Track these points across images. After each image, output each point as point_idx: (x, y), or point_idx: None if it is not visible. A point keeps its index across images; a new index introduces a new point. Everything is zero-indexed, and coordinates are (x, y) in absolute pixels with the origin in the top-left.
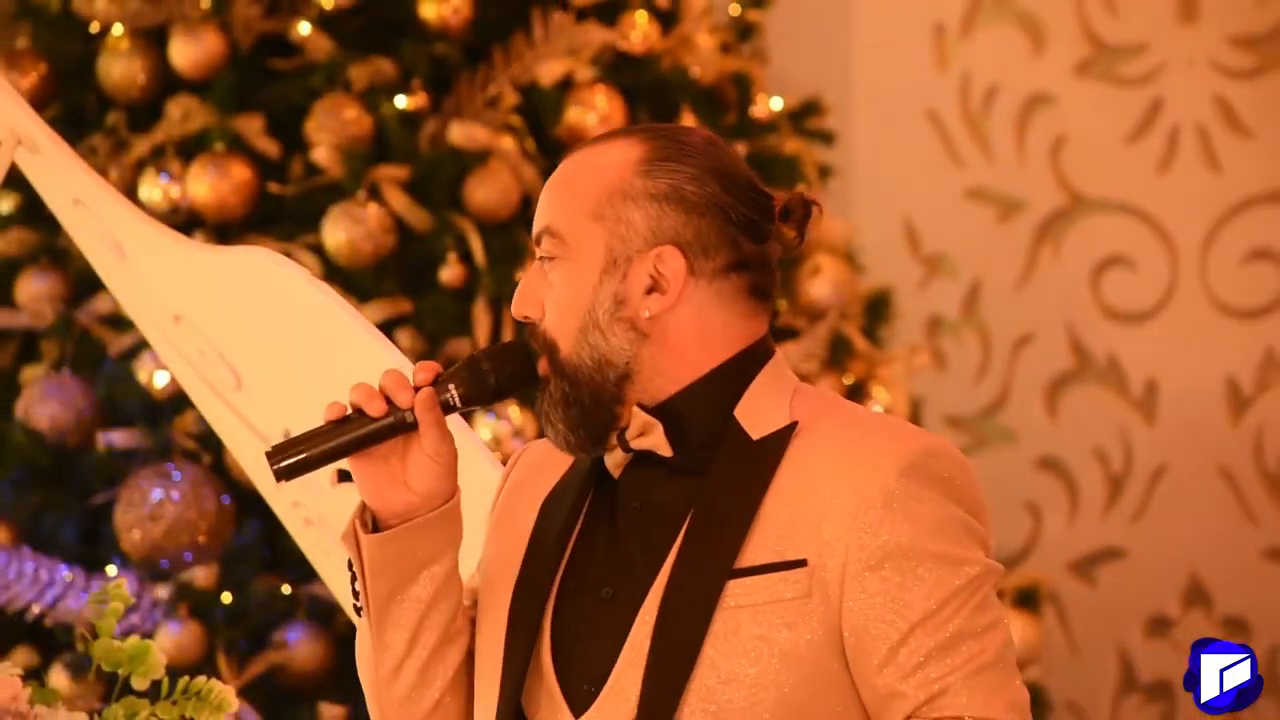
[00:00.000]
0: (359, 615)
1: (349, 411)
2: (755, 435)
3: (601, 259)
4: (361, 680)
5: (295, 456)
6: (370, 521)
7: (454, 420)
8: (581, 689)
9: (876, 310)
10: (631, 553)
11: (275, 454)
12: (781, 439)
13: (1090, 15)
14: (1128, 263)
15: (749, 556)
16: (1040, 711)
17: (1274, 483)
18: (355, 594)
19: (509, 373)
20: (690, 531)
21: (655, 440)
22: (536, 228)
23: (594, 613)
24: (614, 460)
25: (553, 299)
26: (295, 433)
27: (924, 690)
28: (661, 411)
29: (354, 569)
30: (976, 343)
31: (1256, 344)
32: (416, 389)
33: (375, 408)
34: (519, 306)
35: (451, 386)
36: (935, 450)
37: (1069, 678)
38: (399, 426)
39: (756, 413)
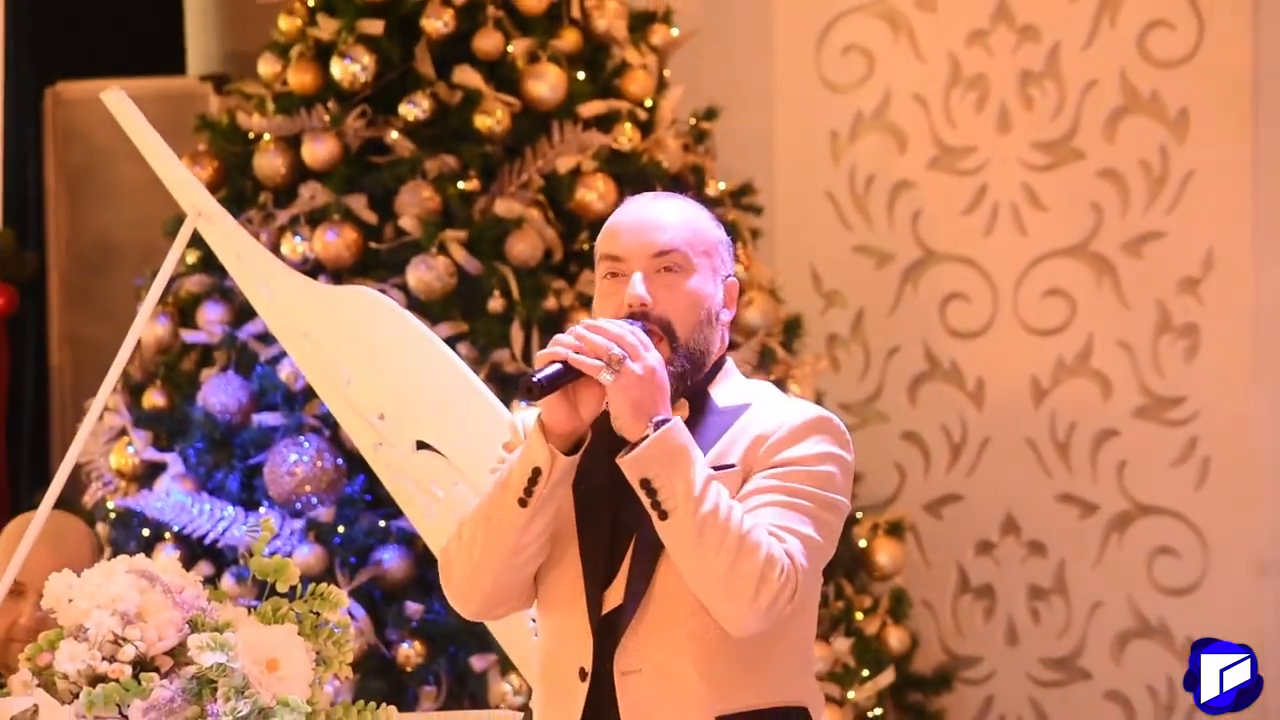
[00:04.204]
0: (522, 506)
1: (573, 353)
2: (720, 405)
3: (711, 276)
4: (485, 546)
5: (544, 383)
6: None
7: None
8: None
9: (791, 330)
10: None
11: (532, 380)
12: (739, 410)
13: (937, 127)
14: (964, 298)
15: None
16: (902, 607)
17: (1063, 449)
18: (528, 492)
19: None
20: None
21: (680, 410)
22: (666, 246)
23: (618, 539)
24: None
25: (681, 295)
26: (387, 414)
27: (747, 500)
28: (689, 391)
29: (540, 476)
30: (860, 353)
31: (1051, 354)
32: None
33: (608, 356)
34: (641, 296)
35: None
36: (832, 418)
37: (923, 584)
38: (606, 367)
39: (723, 392)
